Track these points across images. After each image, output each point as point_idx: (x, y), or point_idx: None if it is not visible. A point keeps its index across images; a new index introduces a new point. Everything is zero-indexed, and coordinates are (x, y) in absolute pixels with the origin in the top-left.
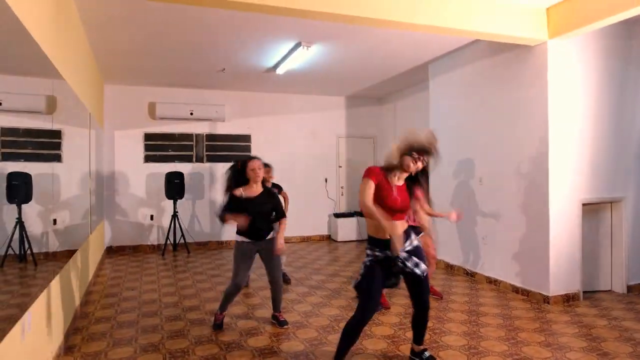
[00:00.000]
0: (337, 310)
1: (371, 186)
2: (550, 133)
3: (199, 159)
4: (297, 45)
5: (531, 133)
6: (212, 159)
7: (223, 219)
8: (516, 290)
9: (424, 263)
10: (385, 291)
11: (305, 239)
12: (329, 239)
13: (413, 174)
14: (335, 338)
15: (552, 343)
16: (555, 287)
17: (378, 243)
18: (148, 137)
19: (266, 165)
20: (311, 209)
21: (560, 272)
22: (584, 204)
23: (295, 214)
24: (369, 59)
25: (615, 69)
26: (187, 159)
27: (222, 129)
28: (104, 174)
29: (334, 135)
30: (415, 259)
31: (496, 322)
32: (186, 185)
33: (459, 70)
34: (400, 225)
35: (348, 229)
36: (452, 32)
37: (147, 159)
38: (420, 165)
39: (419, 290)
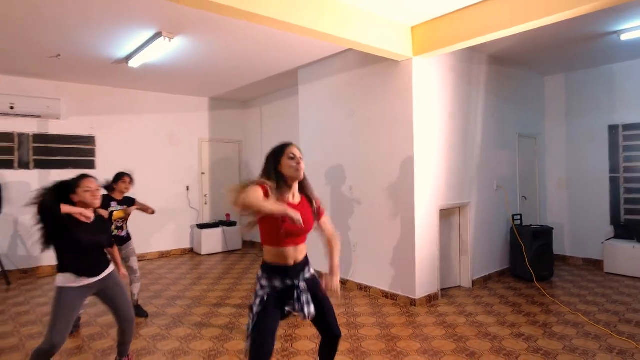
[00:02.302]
0: (211, 342)
1: (258, 190)
2: (415, 145)
3: (24, 165)
4: (157, 35)
5: (398, 145)
6: (42, 164)
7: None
8: (386, 295)
9: (322, 298)
10: None
11: (165, 255)
12: (191, 252)
13: (301, 178)
14: None
15: (428, 349)
16: (420, 289)
17: (278, 271)
18: None
19: (124, 175)
20: (171, 220)
21: (424, 274)
22: (440, 210)
23: (152, 226)
24: (237, 59)
25: (461, 89)
26: (7, 165)
27: (56, 128)
28: None
29: (196, 139)
30: (308, 296)
31: (375, 333)
32: (4, 198)
33: (330, 78)
34: (300, 250)
35: (213, 241)
36: (325, 37)
37: None
38: (300, 162)
39: (324, 321)
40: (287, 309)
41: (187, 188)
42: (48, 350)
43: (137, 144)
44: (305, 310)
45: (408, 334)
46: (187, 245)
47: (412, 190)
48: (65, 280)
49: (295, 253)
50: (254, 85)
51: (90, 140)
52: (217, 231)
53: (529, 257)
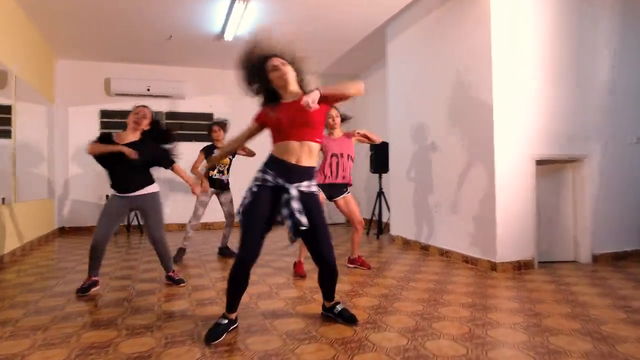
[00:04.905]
0: (282, 278)
1: (250, 128)
2: (494, 84)
3: None
4: (233, 1)
5: (476, 86)
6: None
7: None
8: (466, 260)
9: (317, 215)
10: (302, 259)
11: None
12: None
13: (288, 80)
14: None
15: (477, 304)
16: (504, 253)
17: (276, 166)
18: (104, 114)
19: (213, 125)
20: None
21: (510, 237)
22: (537, 162)
23: None
24: (320, 22)
25: (571, 23)
26: None
27: (182, 106)
28: (54, 150)
29: None
30: (300, 206)
31: (426, 286)
32: None
33: (412, 28)
34: (306, 150)
35: None
36: None
37: None
38: (281, 68)
39: (315, 242)
40: (278, 218)
41: None
42: (94, 245)
43: (247, 120)
44: (297, 216)
45: (465, 290)
46: None
47: (491, 137)
48: (113, 191)
49: (301, 151)
50: (352, 57)
51: (208, 116)
52: None
53: None
